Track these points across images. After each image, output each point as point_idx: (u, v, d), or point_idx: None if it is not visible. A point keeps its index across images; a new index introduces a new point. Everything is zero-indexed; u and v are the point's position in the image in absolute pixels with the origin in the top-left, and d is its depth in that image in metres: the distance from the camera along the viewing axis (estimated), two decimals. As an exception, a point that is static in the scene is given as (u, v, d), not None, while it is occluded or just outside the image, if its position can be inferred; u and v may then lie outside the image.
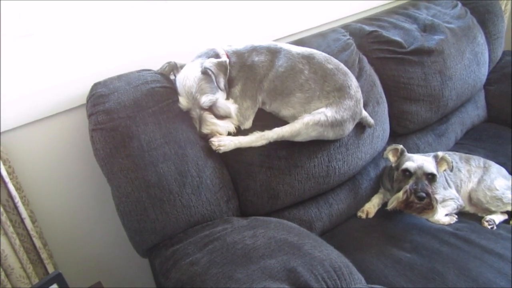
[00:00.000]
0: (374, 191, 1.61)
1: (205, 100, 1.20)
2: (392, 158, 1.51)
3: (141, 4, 1.42)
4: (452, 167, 1.47)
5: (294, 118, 1.31)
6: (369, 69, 1.63)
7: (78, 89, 1.28)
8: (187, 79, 1.21)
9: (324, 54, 1.37)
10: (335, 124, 1.29)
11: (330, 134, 1.31)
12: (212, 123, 1.23)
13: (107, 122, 1.13)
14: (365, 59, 1.66)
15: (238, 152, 1.28)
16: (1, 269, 1.18)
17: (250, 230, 1.16)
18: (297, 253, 1.06)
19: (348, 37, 1.68)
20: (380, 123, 1.56)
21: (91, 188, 1.42)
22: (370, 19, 1.85)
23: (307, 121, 1.26)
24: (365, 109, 1.48)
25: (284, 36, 1.75)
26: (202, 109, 1.22)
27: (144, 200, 1.14)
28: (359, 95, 1.37)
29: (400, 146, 1.49)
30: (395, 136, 1.75)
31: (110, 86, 1.19)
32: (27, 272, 1.22)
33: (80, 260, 1.48)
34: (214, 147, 1.23)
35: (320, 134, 1.30)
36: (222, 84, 1.20)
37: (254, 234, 1.14)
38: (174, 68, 1.27)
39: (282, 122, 1.33)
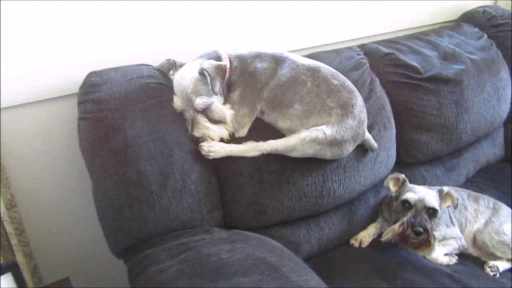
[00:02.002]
0: (371, 220, 1.52)
1: (199, 102, 1.15)
2: (393, 187, 1.42)
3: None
4: (457, 204, 1.38)
5: (291, 131, 1.25)
6: (380, 91, 1.56)
7: (75, 76, 1.25)
8: (184, 78, 1.17)
9: (331, 69, 1.31)
10: (334, 143, 1.22)
11: (327, 153, 1.24)
12: (205, 127, 1.18)
13: (94, 112, 1.09)
14: (377, 81, 1.59)
15: (228, 160, 1.22)
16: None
17: (228, 244, 1.10)
18: (273, 274, 0.99)
19: (362, 56, 1.62)
20: (384, 149, 1.48)
21: (76, 179, 1.37)
22: (388, 41, 1.78)
23: (304, 137, 1.20)
24: (370, 132, 1.41)
25: (298, 49, 1.69)
26: (196, 111, 1.17)
27: (122, 198, 1.09)
28: (364, 115, 1.30)
29: (402, 176, 1.41)
30: (401, 164, 1.66)
31: (104, 76, 1.16)
32: (-5, 257, 1.19)
33: (57, 252, 1.43)
34: (203, 152, 1.17)
35: (317, 152, 1.23)
36: (217, 88, 1.15)
37: (232, 248, 1.08)
38: (173, 66, 1.23)
39: (280, 134, 1.27)
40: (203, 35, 1.49)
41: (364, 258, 1.39)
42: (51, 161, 1.33)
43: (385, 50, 1.68)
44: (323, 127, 1.22)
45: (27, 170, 1.31)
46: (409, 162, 1.68)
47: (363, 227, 1.49)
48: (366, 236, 1.47)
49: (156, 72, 1.22)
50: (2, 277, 0.83)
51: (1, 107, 1.20)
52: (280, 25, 1.65)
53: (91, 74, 1.18)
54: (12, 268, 0.85)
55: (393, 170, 1.62)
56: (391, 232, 1.32)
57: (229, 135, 1.23)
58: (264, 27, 1.62)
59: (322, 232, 1.41)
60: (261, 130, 1.27)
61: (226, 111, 1.21)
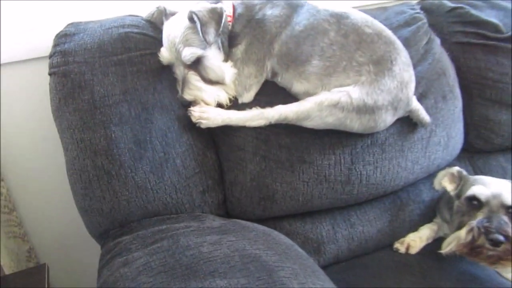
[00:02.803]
0: (424, 219, 1.16)
1: (186, 53, 0.91)
2: (449, 185, 1.06)
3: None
4: None
5: (308, 95, 0.96)
6: (440, 53, 1.20)
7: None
8: (173, 27, 0.95)
9: (364, 15, 1.00)
10: (364, 110, 0.92)
11: (355, 124, 0.94)
12: (197, 87, 0.94)
13: (61, 65, 0.91)
14: (437, 41, 1.23)
15: (228, 131, 0.98)
16: None
17: (216, 235, 0.87)
18: (265, 278, 0.74)
19: (418, 11, 1.27)
20: (443, 126, 1.12)
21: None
22: (458, -4, 1.40)
23: (322, 100, 0.91)
24: (422, 102, 1.08)
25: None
26: (187, 67, 0.94)
27: (89, 170, 0.90)
28: (408, 76, 0.97)
29: (456, 168, 1.06)
30: (471, 151, 1.29)
31: (80, 26, 0.98)
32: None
33: (50, 233, 1.29)
34: (193, 119, 0.94)
35: (340, 122, 0.94)
36: (210, 37, 0.91)
37: (218, 240, 0.84)
38: (163, 14, 1.01)
39: (296, 100, 0.99)
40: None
41: (411, 269, 1.06)
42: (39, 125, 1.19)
43: (451, 4, 1.31)
44: (349, 88, 0.92)
45: (15, 134, 1.18)
46: (482, 148, 1.30)
47: (413, 227, 1.15)
48: (416, 240, 1.13)
49: (142, 22, 1.01)
50: None
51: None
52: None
53: (68, 25, 1.00)
54: None
55: (460, 159, 1.26)
56: (455, 241, 0.97)
57: (230, 99, 0.98)
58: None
59: (353, 229, 1.09)
60: (272, 95, 1.00)
61: (225, 69, 0.96)
